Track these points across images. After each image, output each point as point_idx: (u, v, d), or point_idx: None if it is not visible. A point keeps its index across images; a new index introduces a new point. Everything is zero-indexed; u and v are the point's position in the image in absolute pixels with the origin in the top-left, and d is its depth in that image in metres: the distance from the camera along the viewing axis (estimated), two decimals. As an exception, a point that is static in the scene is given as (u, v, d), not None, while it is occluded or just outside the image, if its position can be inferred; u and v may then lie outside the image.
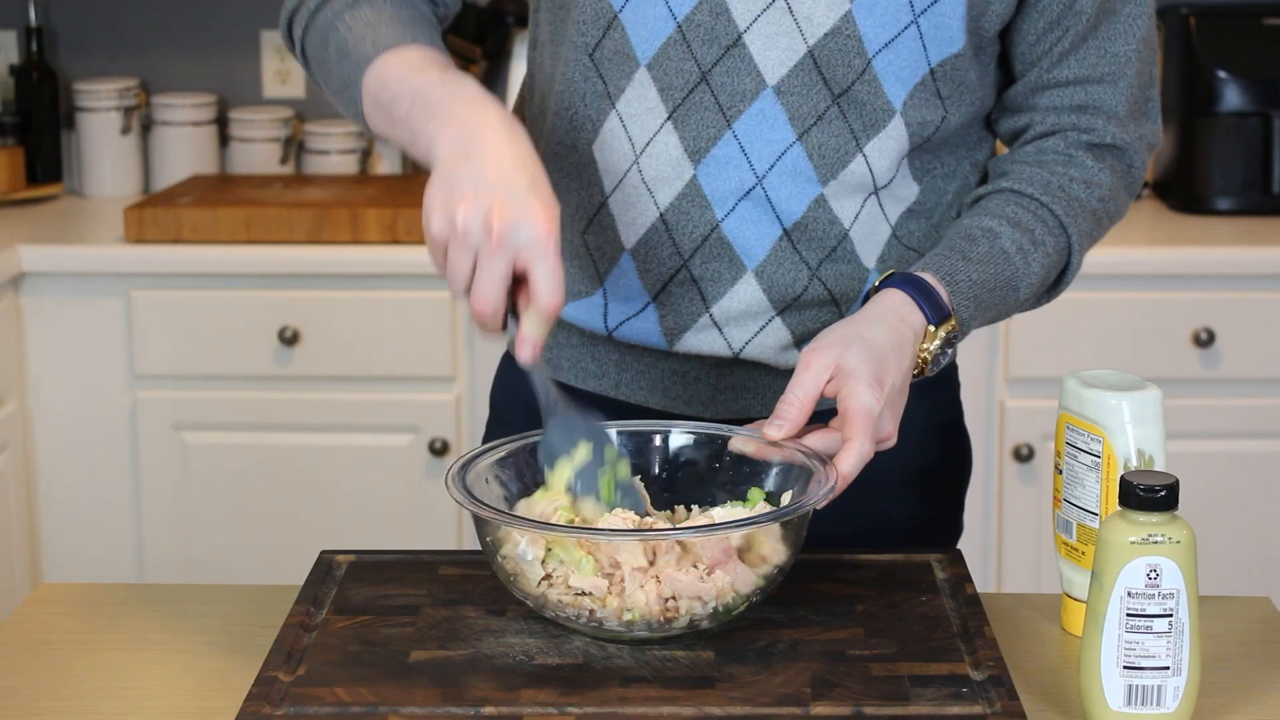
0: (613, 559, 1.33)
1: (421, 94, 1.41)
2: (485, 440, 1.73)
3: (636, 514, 1.40)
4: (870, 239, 1.58)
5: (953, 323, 1.51)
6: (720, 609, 1.33)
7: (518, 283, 1.35)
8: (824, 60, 1.51)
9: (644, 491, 1.44)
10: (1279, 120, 3.15)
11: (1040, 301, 1.63)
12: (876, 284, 1.52)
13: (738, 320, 1.58)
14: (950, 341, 1.51)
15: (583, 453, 1.41)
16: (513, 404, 1.72)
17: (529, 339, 1.36)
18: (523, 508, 1.41)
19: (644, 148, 1.55)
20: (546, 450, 1.42)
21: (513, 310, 1.36)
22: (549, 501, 1.40)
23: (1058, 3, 1.55)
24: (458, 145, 1.36)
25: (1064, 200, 1.58)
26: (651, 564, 1.34)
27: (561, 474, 1.41)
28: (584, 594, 1.32)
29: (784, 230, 1.56)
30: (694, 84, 1.53)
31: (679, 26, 1.52)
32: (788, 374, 1.60)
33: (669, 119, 1.54)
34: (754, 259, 1.56)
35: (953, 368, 1.72)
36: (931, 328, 1.49)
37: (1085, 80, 1.58)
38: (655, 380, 1.63)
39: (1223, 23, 3.23)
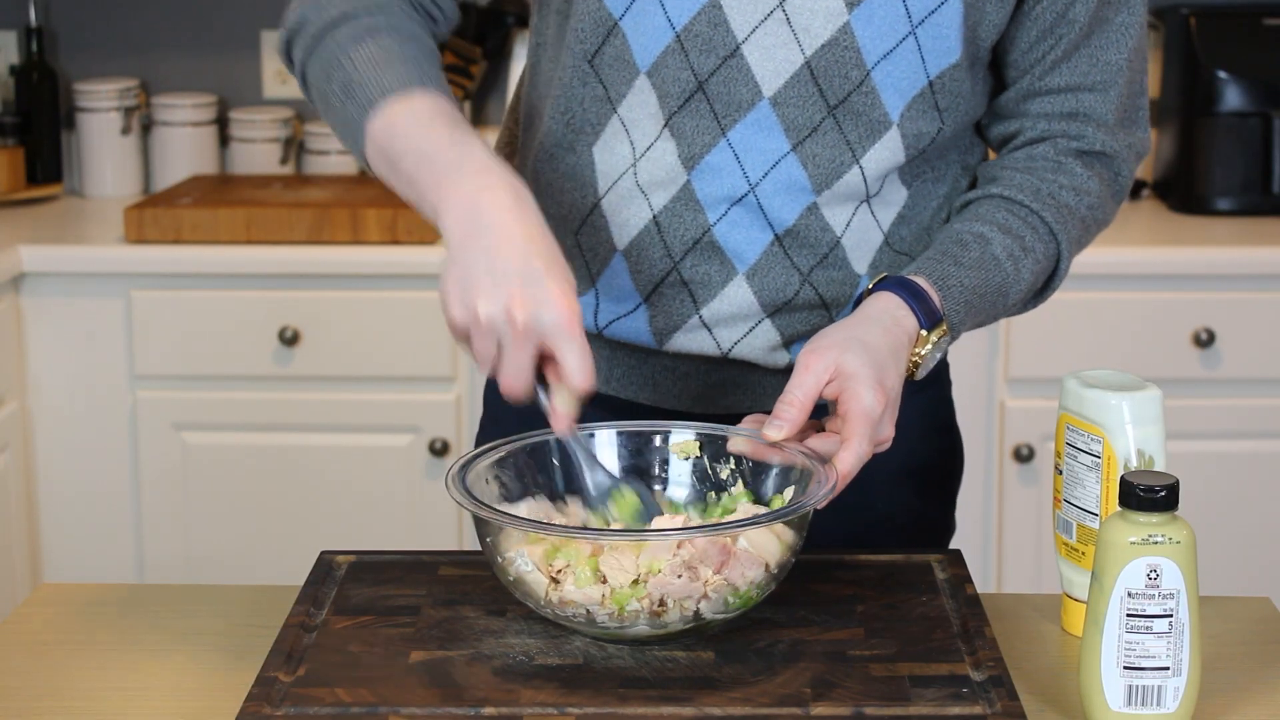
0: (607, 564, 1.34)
1: (428, 155, 1.40)
2: (479, 438, 1.74)
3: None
4: (862, 245, 1.58)
5: (944, 327, 1.51)
6: (720, 607, 1.33)
7: (544, 357, 1.36)
8: (821, 71, 1.51)
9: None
10: (1279, 120, 3.15)
11: (1027, 307, 1.64)
12: (869, 286, 1.53)
13: (727, 322, 1.58)
14: (940, 346, 1.51)
15: (615, 509, 1.42)
16: (506, 403, 1.72)
17: (562, 414, 1.38)
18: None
19: (643, 153, 1.55)
20: (588, 509, 1.44)
21: (540, 380, 1.38)
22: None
23: (1051, 11, 1.55)
24: (466, 222, 1.35)
25: (1054, 207, 1.58)
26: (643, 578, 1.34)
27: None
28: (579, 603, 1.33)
29: (775, 236, 1.56)
30: (691, 92, 1.53)
31: (678, 36, 1.52)
32: (777, 372, 1.61)
33: (666, 126, 1.54)
34: (745, 262, 1.56)
35: (944, 366, 1.73)
36: (924, 332, 1.50)
37: (1076, 88, 1.59)
38: (645, 376, 1.63)
39: (1223, 23, 3.23)
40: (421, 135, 1.41)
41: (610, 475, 1.43)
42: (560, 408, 1.38)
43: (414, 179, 1.41)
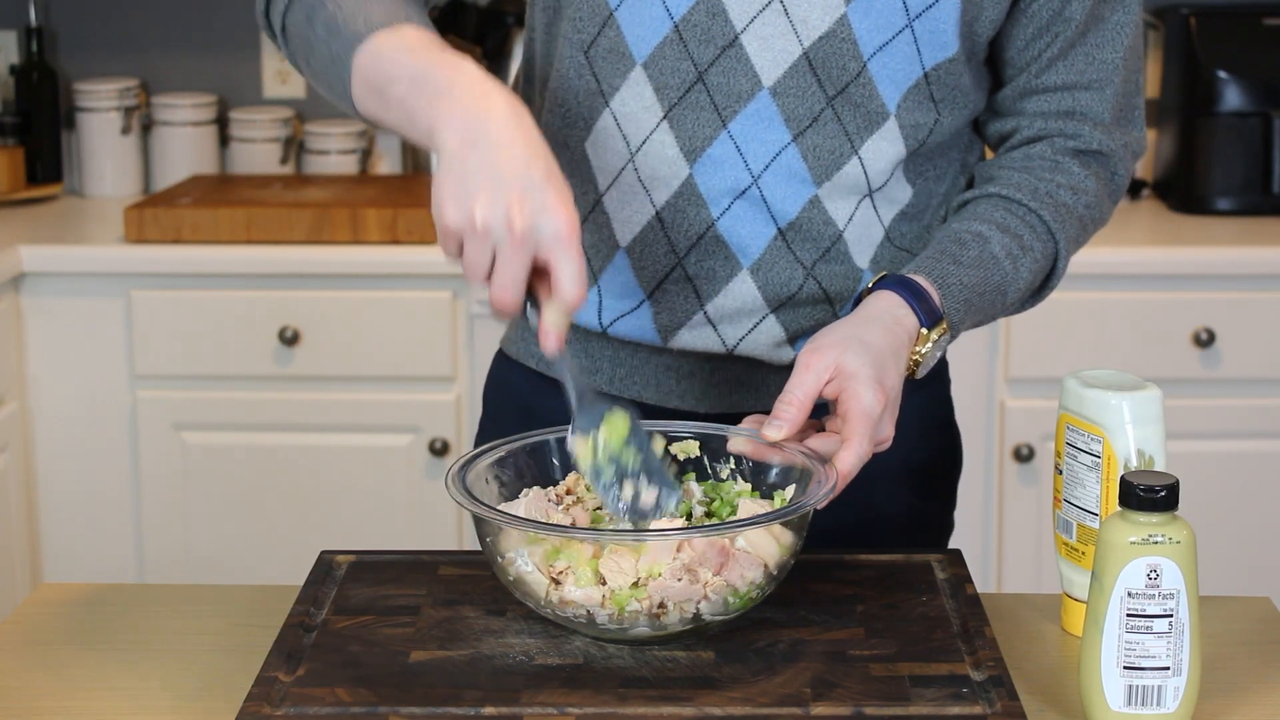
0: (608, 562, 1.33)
1: (420, 75, 1.36)
2: (478, 437, 1.74)
3: (664, 505, 1.39)
4: (864, 240, 1.59)
5: (944, 326, 1.51)
6: (720, 608, 1.33)
7: (536, 272, 1.33)
8: (819, 62, 1.52)
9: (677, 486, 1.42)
10: (1279, 120, 3.15)
11: (1025, 306, 1.64)
12: (870, 285, 1.53)
13: (732, 318, 1.58)
14: (940, 345, 1.52)
15: (605, 432, 1.40)
16: (505, 401, 1.72)
17: (553, 330, 1.34)
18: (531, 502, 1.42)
19: (640, 146, 1.55)
20: (576, 433, 1.41)
21: (530, 297, 1.34)
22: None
23: (1048, 9, 1.56)
24: (464, 131, 1.32)
25: (1052, 206, 1.58)
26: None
27: (583, 455, 1.40)
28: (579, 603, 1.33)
29: (779, 230, 1.56)
30: (690, 84, 1.53)
31: (676, 26, 1.52)
32: (781, 369, 1.61)
33: (665, 118, 1.54)
34: (749, 257, 1.57)
35: (943, 365, 1.73)
36: (924, 331, 1.50)
37: (1072, 86, 1.59)
38: (649, 375, 1.63)
39: (1223, 23, 3.23)
40: (412, 59, 1.38)
41: (600, 398, 1.41)
42: (551, 323, 1.34)
43: (405, 101, 1.37)
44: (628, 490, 1.38)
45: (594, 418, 1.39)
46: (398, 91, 1.38)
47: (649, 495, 1.38)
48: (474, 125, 1.32)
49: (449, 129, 1.33)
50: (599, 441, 1.39)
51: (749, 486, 1.46)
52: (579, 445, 1.40)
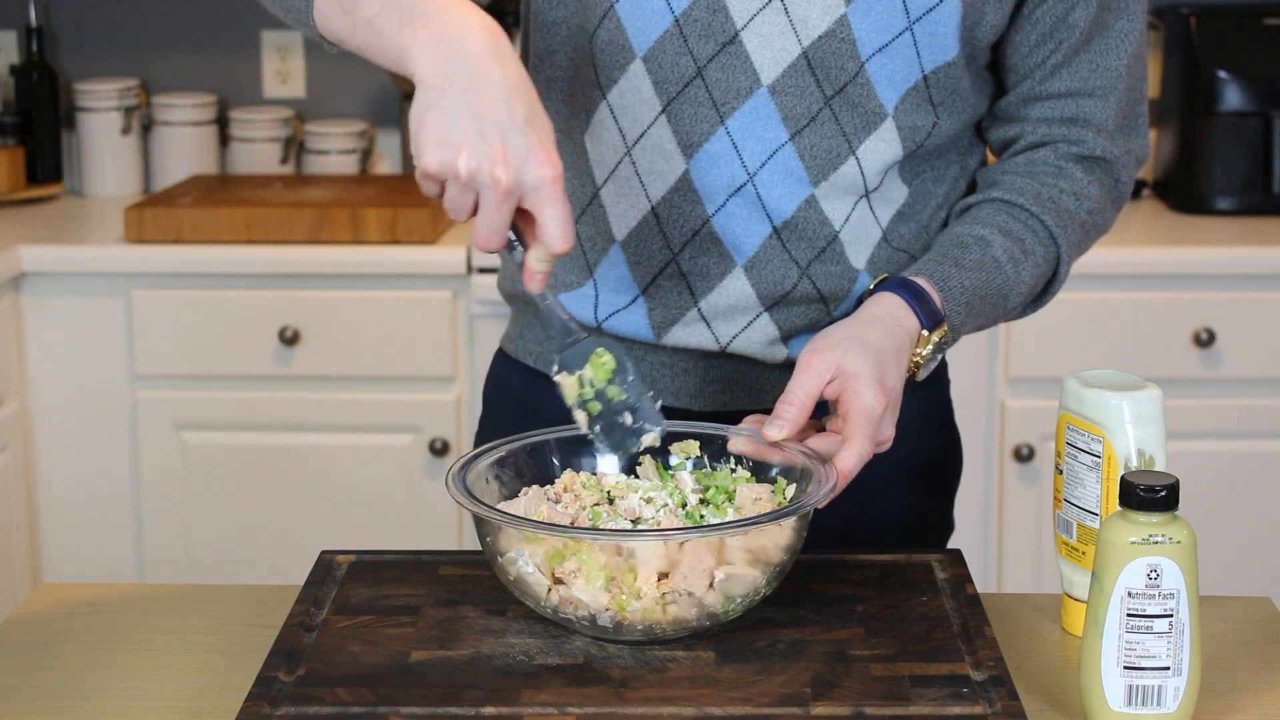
0: (626, 562, 1.33)
1: None
2: (478, 436, 1.74)
3: (651, 429, 1.41)
4: (860, 241, 1.59)
5: (945, 328, 1.51)
6: (720, 611, 1.33)
7: (521, 212, 1.33)
8: (818, 61, 1.52)
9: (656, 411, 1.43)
10: (1279, 120, 3.15)
11: (1027, 311, 1.64)
12: (871, 286, 1.53)
13: (725, 315, 1.58)
14: (941, 347, 1.52)
15: (590, 369, 1.41)
16: (505, 401, 1.72)
17: (537, 271, 1.35)
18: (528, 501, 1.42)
19: (637, 140, 1.55)
20: (562, 370, 1.42)
21: (515, 233, 1.35)
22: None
23: (1051, 16, 1.56)
24: (440, 61, 1.29)
25: (1054, 211, 1.58)
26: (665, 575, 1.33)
27: (569, 391, 1.41)
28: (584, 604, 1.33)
29: (774, 228, 1.56)
30: (689, 79, 1.53)
31: (676, 21, 1.52)
32: (775, 367, 1.61)
33: (663, 112, 1.54)
34: (744, 255, 1.57)
35: (943, 365, 1.73)
36: (925, 333, 1.50)
37: (1076, 93, 1.59)
38: (644, 372, 1.63)
39: (1223, 23, 3.23)
40: None
41: (585, 335, 1.41)
42: (535, 265, 1.34)
43: (375, 22, 1.34)
44: (613, 424, 1.40)
45: (580, 355, 1.41)
46: (367, 11, 1.35)
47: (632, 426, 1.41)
48: (450, 55, 1.29)
49: (423, 56, 1.30)
50: (585, 378, 1.41)
51: (747, 474, 1.46)
52: (565, 382, 1.41)
